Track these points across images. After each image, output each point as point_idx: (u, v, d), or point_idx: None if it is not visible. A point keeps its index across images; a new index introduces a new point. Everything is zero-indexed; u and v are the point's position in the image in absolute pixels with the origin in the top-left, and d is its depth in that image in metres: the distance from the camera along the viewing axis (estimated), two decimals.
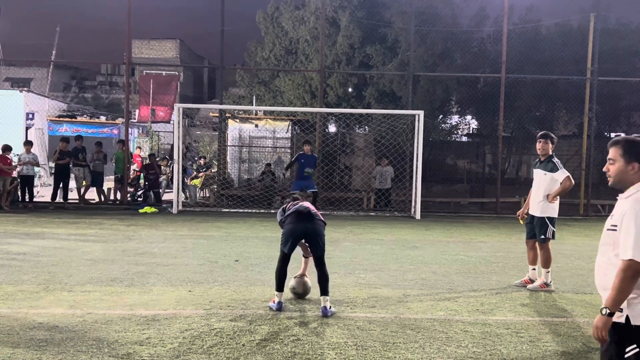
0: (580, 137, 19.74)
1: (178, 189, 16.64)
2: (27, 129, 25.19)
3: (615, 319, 3.33)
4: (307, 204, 6.87)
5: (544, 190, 7.91)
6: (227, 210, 17.13)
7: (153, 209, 16.52)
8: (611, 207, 16.57)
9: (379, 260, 9.78)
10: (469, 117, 28.66)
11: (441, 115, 27.17)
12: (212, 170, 21.36)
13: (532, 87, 22.49)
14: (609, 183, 3.70)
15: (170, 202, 17.52)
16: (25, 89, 28.73)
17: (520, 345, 5.56)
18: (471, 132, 30.10)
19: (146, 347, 5.21)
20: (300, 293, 7.12)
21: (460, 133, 29.18)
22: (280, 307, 6.47)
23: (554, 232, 7.94)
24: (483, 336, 5.81)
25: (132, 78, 33.36)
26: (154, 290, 7.36)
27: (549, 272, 7.92)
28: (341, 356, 5.11)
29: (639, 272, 3.24)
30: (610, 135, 27.77)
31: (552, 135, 8.07)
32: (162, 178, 19.75)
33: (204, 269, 8.69)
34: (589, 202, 18.41)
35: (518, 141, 26.14)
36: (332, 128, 24.97)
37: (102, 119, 31.97)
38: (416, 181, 16.54)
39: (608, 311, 3.29)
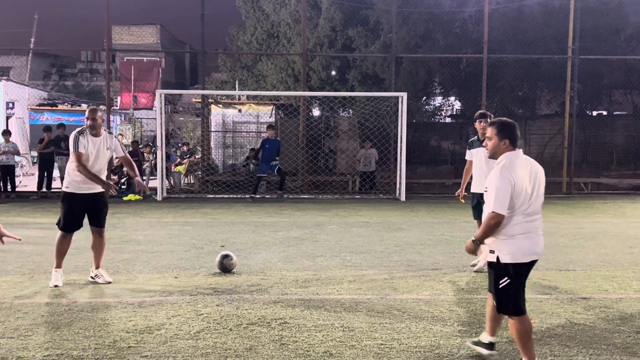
0: (562, 116, 19.86)
1: (162, 176, 16.56)
2: (7, 118, 24.90)
3: (489, 259, 4.39)
4: None
5: (490, 167, 7.88)
6: (212, 196, 17.08)
7: (137, 197, 16.43)
8: (594, 184, 16.69)
9: (364, 243, 9.82)
10: (452, 98, 28.70)
11: (424, 97, 27.20)
12: (196, 157, 21.26)
13: (514, 67, 22.54)
14: (487, 155, 4.61)
15: (154, 189, 17.43)
16: (4, 77, 28.33)
17: (505, 322, 5.61)
18: (455, 113, 30.17)
19: (133, 334, 5.20)
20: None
21: (443, 114, 29.24)
22: None
23: None
24: (468, 315, 5.87)
25: (112, 65, 32.99)
26: (140, 277, 7.35)
27: None
28: (328, 338, 5.14)
29: (499, 221, 4.27)
30: (592, 113, 27.99)
31: (489, 113, 8.09)
32: (146, 165, 19.62)
33: (189, 255, 8.68)
34: (571, 180, 18.56)
35: None
36: (316, 112, 24.92)
37: (84, 106, 31.62)
38: (400, 163, 16.57)
39: (476, 240, 4.43)
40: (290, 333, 5.26)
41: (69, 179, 6.91)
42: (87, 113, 7.02)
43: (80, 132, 6.90)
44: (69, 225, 6.85)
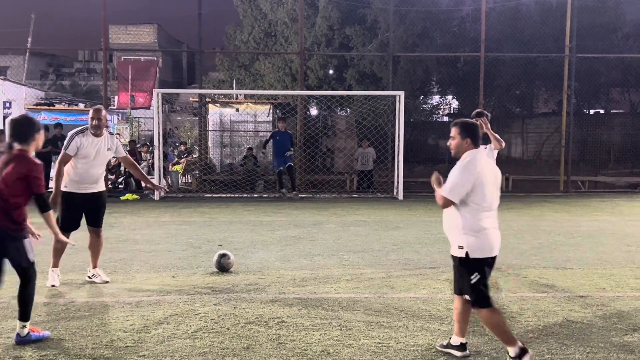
0: (559, 115, 19.88)
1: (159, 175, 16.54)
2: (4, 118, 24.83)
3: (458, 254, 4.55)
4: None
5: None
6: (210, 195, 17.07)
7: (135, 196, 16.42)
8: (591, 183, 16.71)
9: (362, 241, 9.83)
10: (449, 97, 28.73)
11: (422, 96, 27.23)
12: (194, 156, 21.23)
13: (511, 65, 22.57)
14: (452, 154, 4.77)
15: (151, 188, 17.40)
16: (2, 77, 28.24)
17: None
18: (452, 111, 30.19)
19: (130, 334, 5.20)
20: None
21: (441, 113, 29.27)
22: None
23: None
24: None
25: (110, 64, 32.94)
26: (137, 277, 7.34)
27: None
28: (325, 337, 5.15)
29: (447, 205, 4.58)
30: (589, 111, 28.03)
31: (486, 112, 8.08)
32: (143, 165, 19.60)
33: (187, 254, 8.68)
34: (569, 178, 18.58)
35: (498, 120, 26.28)
36: (313, 111, 24.92)
37: (81, 106, 31.55)
38: (398, 162, 16.57)
39: (437, 189, 4.68)
40: (287, 332, 5.26)
41: (67, 179, 6.88)
42: (91, 112, 6.95)
43: (80, 132, 6.86)
44: (67, 225, 6.83)
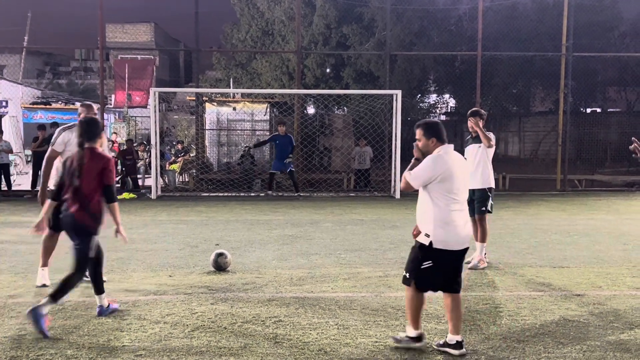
0: (556, 113, 19.90)
1: (157, 174, 16.52)
2: (0, 117, 24.79)
3: (422, 240, 4.73)
4: None
5: (482, 162, 7.95)
6: (207, 194, 17.05)
7: (132, 195, 16.40)
8: (588, 181, 16.72)
9: (359, 240, 9.83)
10: (446, 96, 28.76)
11: (419, 95, 27.26)
12: (191, 155, 21.22)
13: (508, 64, 22.59)
14: (415, 156, 4.96)
15: (148, 187, 17.40)
16: None
17: (499, 319, 5.64)
18: (449, 110, 30.22)
19: (127, 333, 5.20)
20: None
21: (438, 112, 29.29)
22: None
23: (492, 205, 8.03)
24: (463, 312, 5.86)
25: (106, 63, 32.87)
26: (134, 276, 7.34)
27: (485, 246, 7.96)
28: (322, 335, 5.15)
29: (408, 187, 4.86)
30: (586, 110, 28.07)
31: (482, 111, 8.13)
32: (140, 163, 19.58)
33: (184, 253, 8.67)
34: (565, 177, 18.60)
35: (495, 118, 26.32)
36: (310, 109, 24.92)
37: (77, 105, 31.50)
38: (395, 161, 16.58)
39: (413, 161, 4.95)
40: (284, 331, 5.26)
41: (57, 178, 6.80)
42: (82, 109, 6.90)
43: (67, 128, 6.80)
44: (58, 224, 6.81)
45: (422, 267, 4.71)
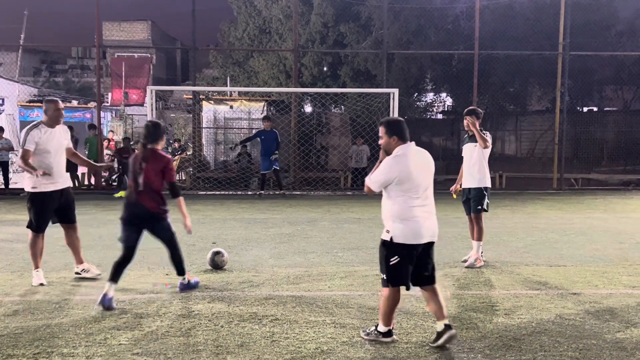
0: (553, 112, 19.91)
1: None
2: None
3: (384, 237, 4.88)
4: None
5: (478, 161, 7.98)
6: (204, 192, 17.04)
7: None
8: (584, 180, 16.75)
9: (356, 239, 9.84)
10: (443, 95, 28.75)
11: (416, 93, 27.23)
12: (188, 153, 21.20)
13: (505, 63, 22.58)
14: (380, 156, 5.05)
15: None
16: None
17: (496, 318, 5.65)
18: (446, 109, 30.22)
19: (124, 332, 5.19)
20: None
21: (435, 110, 29.29)
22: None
23: (488, 204, 8.04)
24: (459, 310, 5.89)
25: (103, 61, 32.81)
26: (131, 274, 7.30)
27: (481, 244, 7.98)
28: (319, 334, 5.15)
29: (370, 192, 4.95)
30: (583, 109, 28.09)
31: (478, 110, 8.14)
32: None
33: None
34: (562, 176, 18.63)
35: (492, 117, 26.33)
36: (307, 108, 24.89)
37: (74, 103, 31.43)
38: None
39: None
40: (281, 329, 5.26)
41: (34, 179, 6.70)
42: (48, 105, 6.83)
43: (35, 126, 6.74)
44: (42, 227, 6.84)
45: (390, 263, 4.83)
